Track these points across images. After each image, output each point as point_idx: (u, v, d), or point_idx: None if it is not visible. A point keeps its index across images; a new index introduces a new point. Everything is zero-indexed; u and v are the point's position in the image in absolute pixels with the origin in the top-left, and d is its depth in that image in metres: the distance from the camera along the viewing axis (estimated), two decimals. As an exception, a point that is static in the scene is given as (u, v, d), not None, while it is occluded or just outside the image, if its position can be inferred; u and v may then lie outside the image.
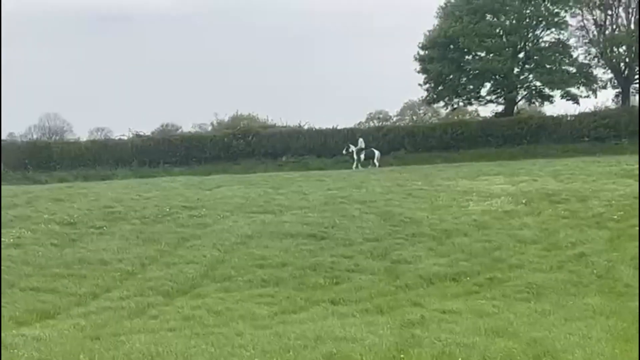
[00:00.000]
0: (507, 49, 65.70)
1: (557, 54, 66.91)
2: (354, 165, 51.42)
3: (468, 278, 18.70)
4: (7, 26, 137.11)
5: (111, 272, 20.29)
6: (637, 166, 32.21)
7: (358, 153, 52.55)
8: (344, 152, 54.01)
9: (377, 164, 51.52)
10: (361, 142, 53.59)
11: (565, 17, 67.16)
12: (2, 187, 39.60)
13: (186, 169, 57.41)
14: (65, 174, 56.81)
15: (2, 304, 17.09)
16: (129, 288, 18.82)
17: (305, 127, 67.11)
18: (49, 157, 62.13)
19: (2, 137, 75.83)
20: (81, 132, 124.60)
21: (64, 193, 33.60)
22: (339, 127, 64.81)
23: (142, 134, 68.91)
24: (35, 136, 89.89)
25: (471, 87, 68.93)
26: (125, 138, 67.67)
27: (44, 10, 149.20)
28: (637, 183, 28.16)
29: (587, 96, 67.11)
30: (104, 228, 25.56)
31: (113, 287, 19.05)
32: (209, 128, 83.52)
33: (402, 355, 11.78)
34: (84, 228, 25.63)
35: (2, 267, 20.31)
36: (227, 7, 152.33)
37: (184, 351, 12.52)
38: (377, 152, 52.94)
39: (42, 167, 60.26)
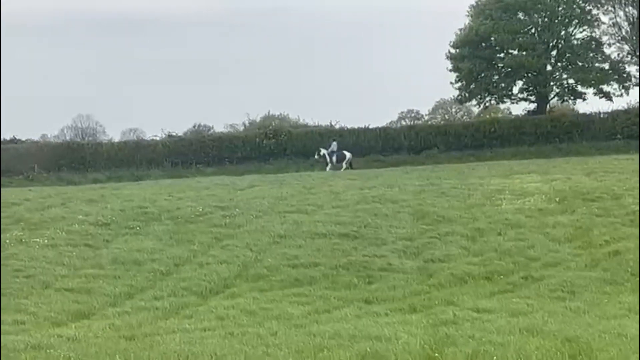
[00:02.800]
0: (539, 46, 65.41)
1: (589, 51, 66.58)
2: (328, 167, 51.86)
3: (502, 277, 18.66)
4: (41, 29, 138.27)
5: (145, 273, 20.41)
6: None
7: (330, 156, 53.04)
8: (315, 156, 54.24)
9: (344, 165, 52.17)
10: (333, 145, 54.18)
11: (597, 14, 66.86)
12: (37, 188, 39.99)
13: (218, 169, 57.57)
14: (98, 175, 57.10)
15: (37, 305, 17.25)
16: (163, 288, 18.91)
17: (337, 126, 67.14)
18: (83, 158, 62.42)
19: (36, 139, 76.44)
20: (114, 133, 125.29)
21: (98, 194, 33.76)
22: (370, 127, 64.77)
23: (174, 134, 69.19)
24: (68, 137, 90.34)
25: (503, 85, 68.66)
26: (158, 139, 67.92)
27: (77, 13, 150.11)
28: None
29: (620, 95, 66.72)
30: (138, 228, 25.66)
31: (147, 288, 19.16)
32: (241, 128, 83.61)
33: (436, 354, 11.73)
34: (117, 229, 25.74)
35: (37, 268, 20.53)
36: (258, 9, 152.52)
37: (218, 351, 12.52)
38: (348, 155, 53.43)
39: (76, 168, 60.56)
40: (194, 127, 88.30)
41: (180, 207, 28.73)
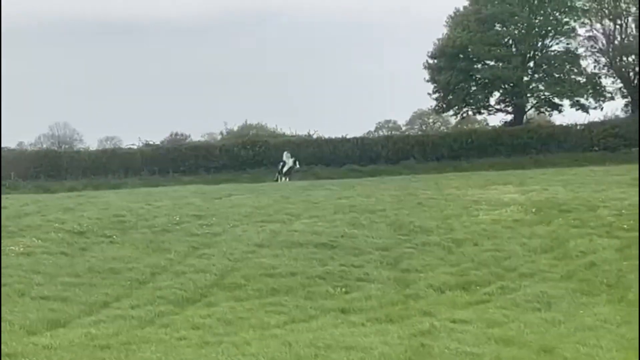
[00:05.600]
0: (516, 58, 65.79)
1: (566, 63, 67.04)
2: (278, 178, 52.63)
3: (478, 287, 18.66)
4: (17, 35, 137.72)
5: (121, 281, 20.29)
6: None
7: (283, 167, 53.70)
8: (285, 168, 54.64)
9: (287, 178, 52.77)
10: (287, 156, 54.38)
11: (574, 26, 67.32)
12: (13, 196, 39.80)
13: (195, 177, 57.58)
14: (75, 183, 56.94)
15: (13, 313, 17.14)
16: (139, 297, 18.80)
17: (315, 136, 67.35)
18: (60, 166, 62.28)
19: (12, 147, 76.15)
20: (90, 141, 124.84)
21: (74, 202, 33.64)
22: (348, 137, 64.91)
23: (151, 143, 69.20)
24: (44, 145, 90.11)
25: (480, 96, 69.07)
26: (135, 147, 67.96)
27: (55, 18, 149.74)
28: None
29: (595, 108, 67.22)
30: (114, 237, 25.55)
31: (123, 296, 19.05)
32: (219, 137, 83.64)
33: (412, 365, 11.78)
34: (94, 237, 25.63)
35: (12, 276, 20.36)
36: (236, 17, 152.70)
37: (194, 360, 12.52)
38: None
39: (53, 176, 60.44)
40: (171, 135, 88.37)
41: (157, 216, 28.69)
